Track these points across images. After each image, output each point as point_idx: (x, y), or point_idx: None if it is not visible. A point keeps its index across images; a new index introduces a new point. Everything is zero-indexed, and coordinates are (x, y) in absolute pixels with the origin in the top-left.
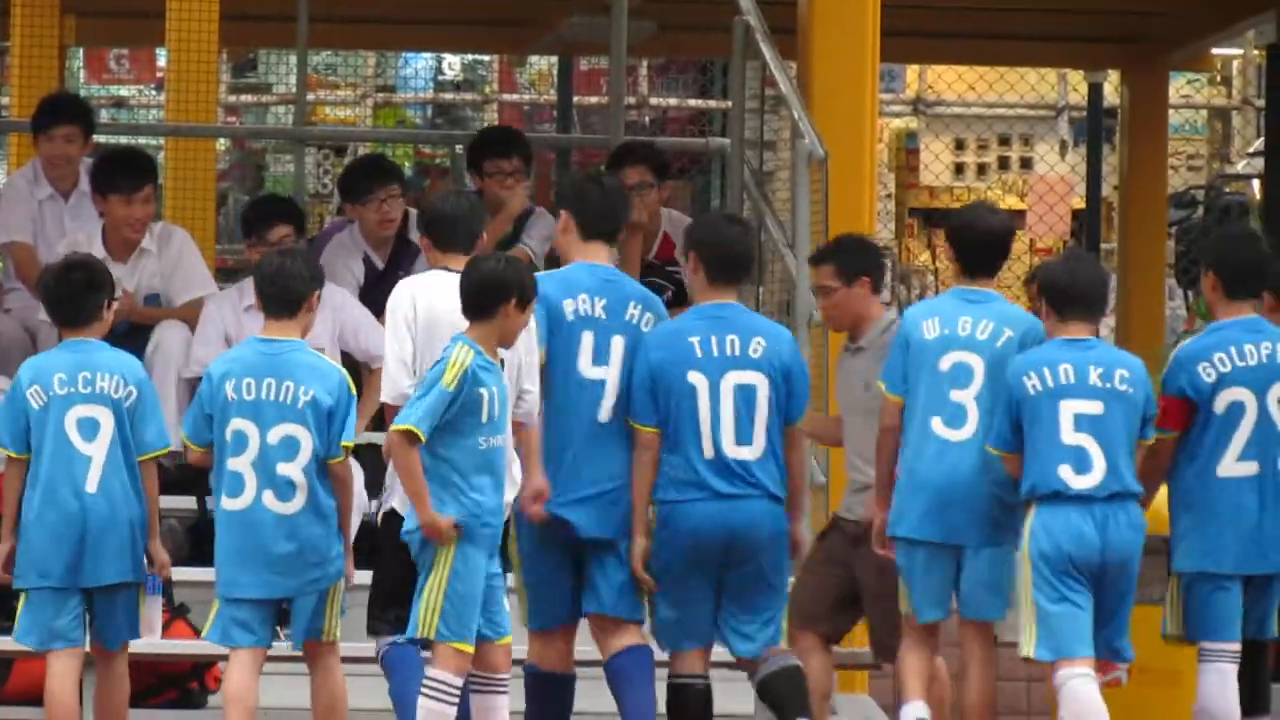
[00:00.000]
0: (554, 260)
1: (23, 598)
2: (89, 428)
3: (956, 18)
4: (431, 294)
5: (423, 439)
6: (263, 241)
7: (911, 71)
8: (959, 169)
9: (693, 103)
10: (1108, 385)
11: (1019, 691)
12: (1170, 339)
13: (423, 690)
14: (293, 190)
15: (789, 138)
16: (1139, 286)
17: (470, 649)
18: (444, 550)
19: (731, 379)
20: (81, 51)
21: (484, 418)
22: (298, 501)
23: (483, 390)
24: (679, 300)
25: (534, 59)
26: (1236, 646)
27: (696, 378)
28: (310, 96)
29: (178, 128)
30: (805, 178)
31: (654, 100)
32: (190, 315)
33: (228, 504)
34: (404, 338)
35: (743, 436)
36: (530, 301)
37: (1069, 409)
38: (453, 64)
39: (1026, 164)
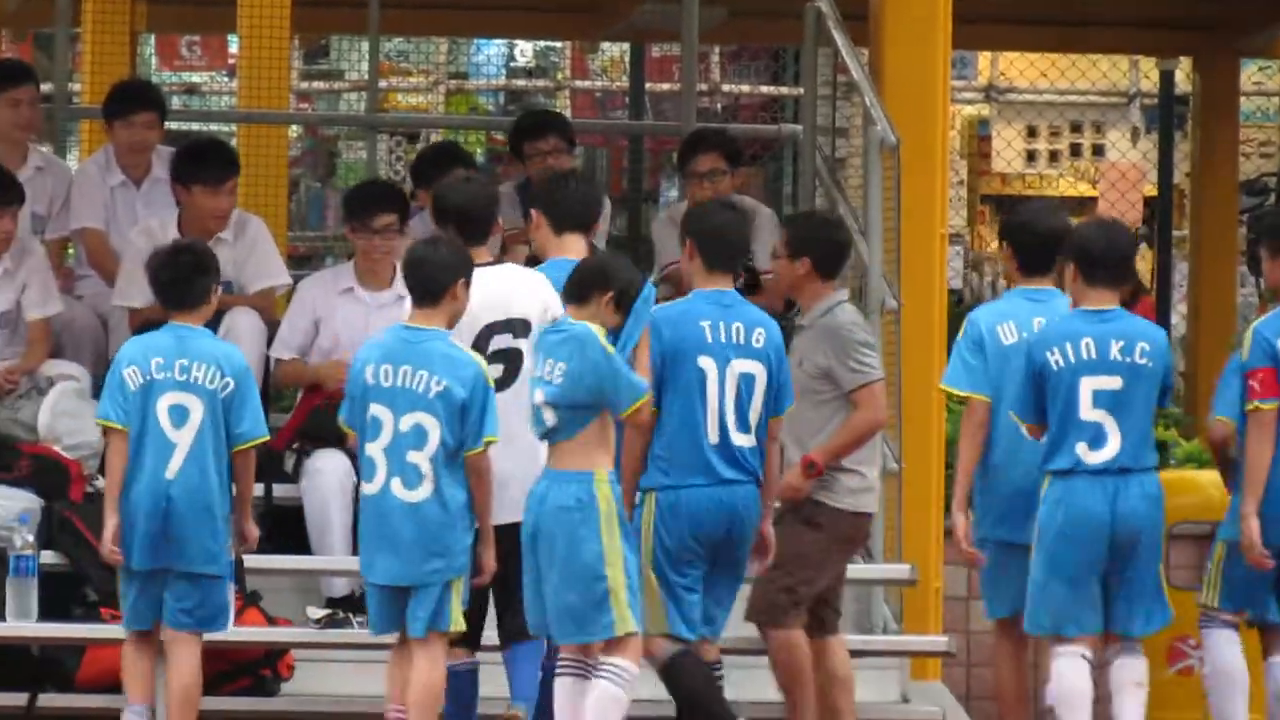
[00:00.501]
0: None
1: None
2: (179, 415)
3: (1029, 4)
4: None
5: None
6: (366, 229)
7: (984, 58)
8: (1031, 156)
9: (765, 89)
10: (1128, 360)
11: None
12: (1242, 327)
13: (610, 678)
14: (364, 178)
15: (861, 124)
16: (1210, 274)
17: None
18: (613, 542)
19: (736, 367)
20: (153, 38)
21: None
22: (424, 490)
23: None
24: (750, 288)
25: (606, 46)
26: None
27: (707, 362)
28: (382, 83)
29: (249, 114)
30: (877, 164)
31: (726, 87)
32: (262, 304)
33: (364, 489)
34: None
35: (742, 424)
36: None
37: (1089, 385)
38: (525, 51)
39: (1098, 151)
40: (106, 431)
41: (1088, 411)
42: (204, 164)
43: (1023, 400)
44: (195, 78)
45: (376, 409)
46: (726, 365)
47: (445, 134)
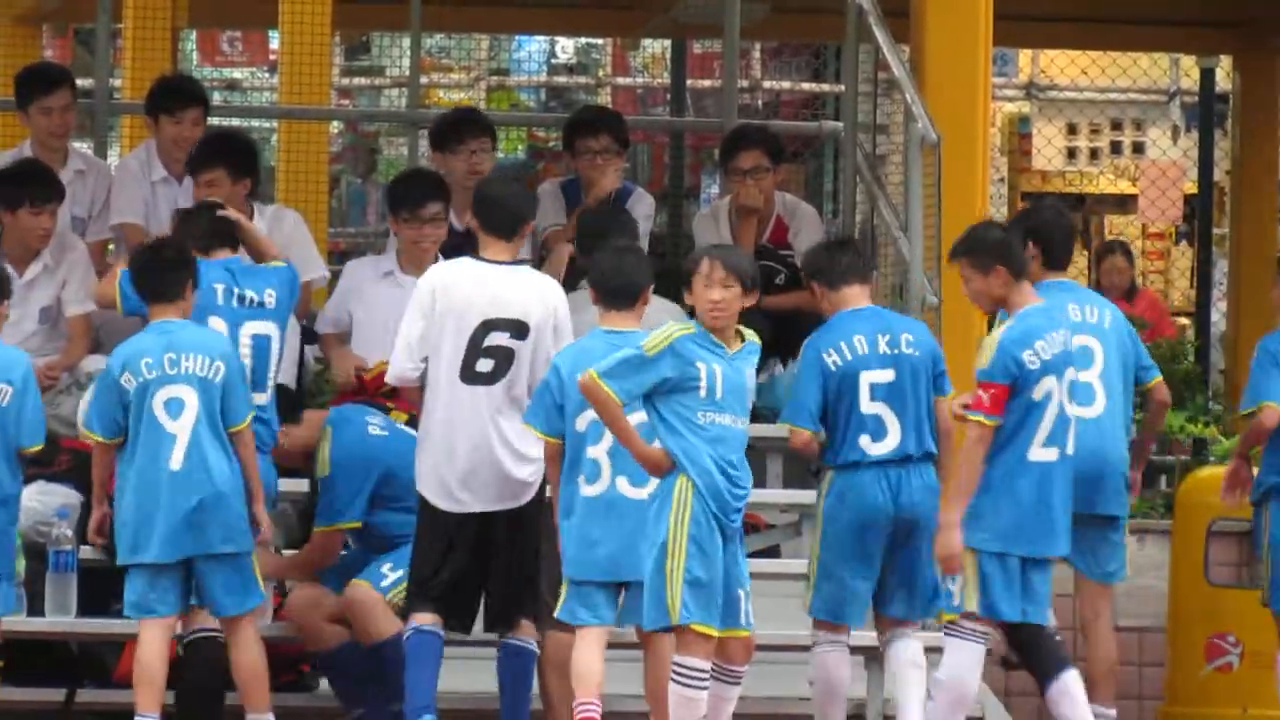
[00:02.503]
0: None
1: (127, 576)
2: (175, 407)
3: (1069, 2)
4: (453, 284)
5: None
6: (416, 218)
7: (1024, 56)
8: (1071, 153)
9: (806, 86)
10: (895, 351)
11: (1130, 675)
12: None
13: (674, 677)
14: None
15: (902, 121)
16: (1250, 271)
17: (715, 633)
18: (678, 532)
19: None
20: (194, 33)
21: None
22: (651, 486)
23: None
24: (792, 283)
25: (647, 42)
26: None
27: None
28: (423, 79)
29: (290, 110)
30: (918, 162)
31: (767, 83)
32: (300, 295)
33: (587, 490)
34: (415, 321)
35: None
36: None
37: (866, 379)
38: (566, 47)
39: (1139, 149)
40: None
41: (867, 405)
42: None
43: (809, 410)
44: (236, 74)
45: (594, 414)
46: None
47: None
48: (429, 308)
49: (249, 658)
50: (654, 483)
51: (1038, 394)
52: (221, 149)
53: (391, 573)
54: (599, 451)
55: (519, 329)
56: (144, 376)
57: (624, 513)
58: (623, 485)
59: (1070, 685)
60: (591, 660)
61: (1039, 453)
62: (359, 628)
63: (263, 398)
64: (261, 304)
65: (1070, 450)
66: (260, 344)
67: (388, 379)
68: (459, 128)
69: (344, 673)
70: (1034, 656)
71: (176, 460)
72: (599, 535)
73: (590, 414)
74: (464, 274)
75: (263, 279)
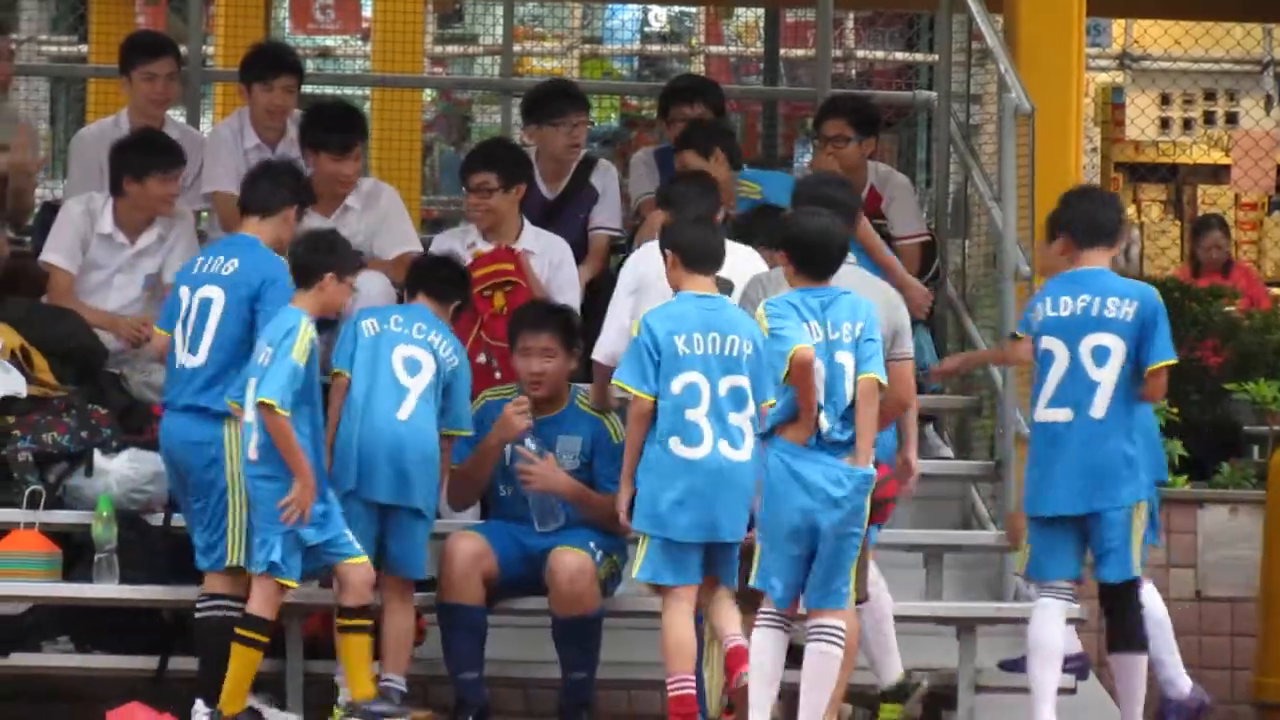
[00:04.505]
0: None
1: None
2: (412, 366)
3: None
4: (656, 270)
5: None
6: (466, 188)
7: (1117, 26)
8: (1164, 124)
9: (899, 56)
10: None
11: (1221, 645)
12: None
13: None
14: None
15: (995, 91)
16: None
17: None
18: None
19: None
20: (286, 1)
21: None
22: (747, 449)
23: None
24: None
25: (740, 11)
26: None
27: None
28: (516, 48)
29: (383, 78)
30: (1012, 131)
31: (860, 53)
32: (396, 271)
33: (685, 451)
34: (624, 301)
35: None
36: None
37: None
38: (659, 15)
39: (1231, 119)
40: (334, 377)
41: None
42: (329, 130)
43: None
44: (329, 41)
45: (692, 376)
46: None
47: None
48: (634, 289)
49: (408, 624)
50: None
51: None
52: (356, 127)
53: (598, 549)
54: (698, 414)
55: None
56: (388, 328)
57: (722, 475)
58: (725, 449)
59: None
60: (685, 628)
61: (1046, 413)
62: (569, 594)
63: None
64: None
65: (1094, 413)
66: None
67: (596, 355)
68: (557, 102)
69: (475, 632)
70: (1110, 617)
71: (405, 412)
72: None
73: (687, 377)
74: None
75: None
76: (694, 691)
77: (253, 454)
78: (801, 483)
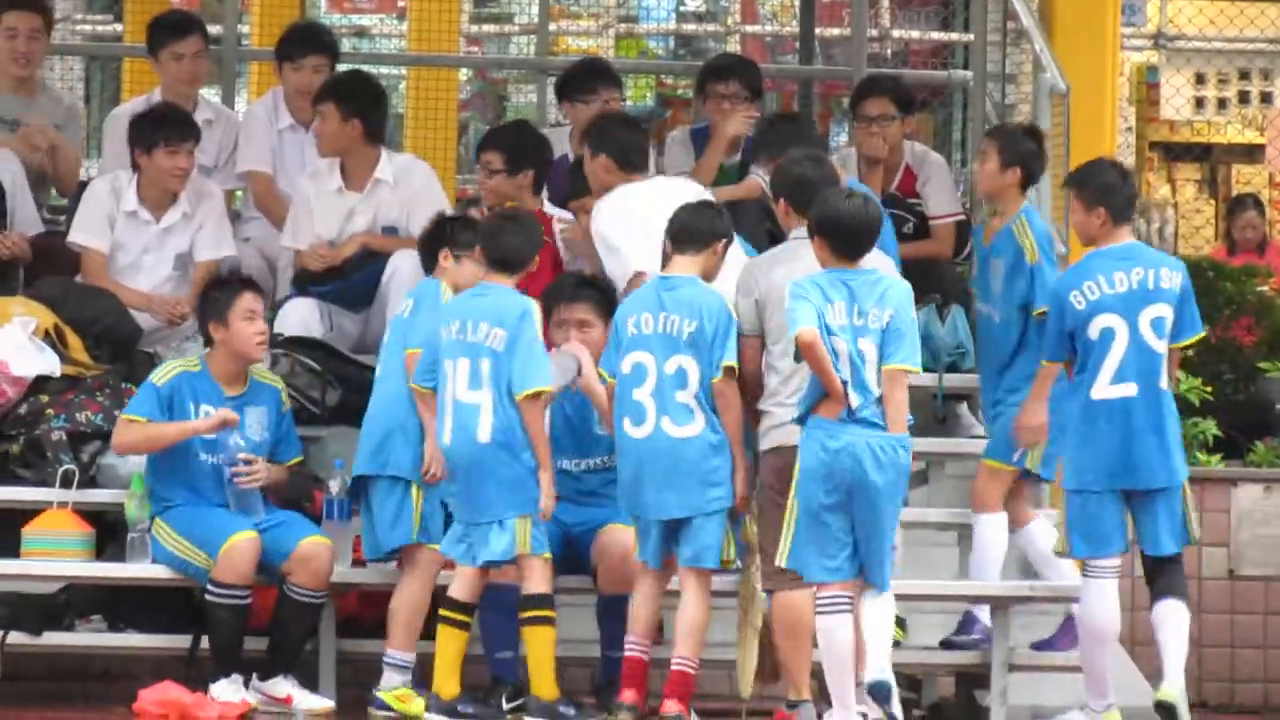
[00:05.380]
0: None
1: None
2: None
3: None
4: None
5: None
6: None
7: (1152, 5)
8: (1199, 103)
9: (935, 35)
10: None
11: (1254, 623)
12: None
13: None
14: (534, 122)
15: (1031, 71)
16: None
17: None
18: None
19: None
20: None
21: None
22: (695, 425)
23: None
24: (920, 233)
25: None
26: None
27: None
28: (552, 27)
29: (420, 57)
30: (1047, 111)
31: (896, 33)
32: None
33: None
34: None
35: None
36: None
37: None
38: None
39: (1266, 98)
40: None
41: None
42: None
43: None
44: (365, 20)
45: (638, 356)
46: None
47: None
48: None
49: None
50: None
51: (1094, 333)
52: (336, 85)
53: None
54: (643, 394)
55: None
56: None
57: (665, 452)
58: (667, 425)
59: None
60: (640, 604)
61: (1109, 390)
62: (620, 572)
63: None
64: None
65: (1161, 384)
66: None
67: None
68: (590, 79)
69: (511, 611)
70: (1159, 580)
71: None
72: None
73: (635, 357)
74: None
75: None
76: (640, 657)
77: (486, 436)
78: (844, 450)
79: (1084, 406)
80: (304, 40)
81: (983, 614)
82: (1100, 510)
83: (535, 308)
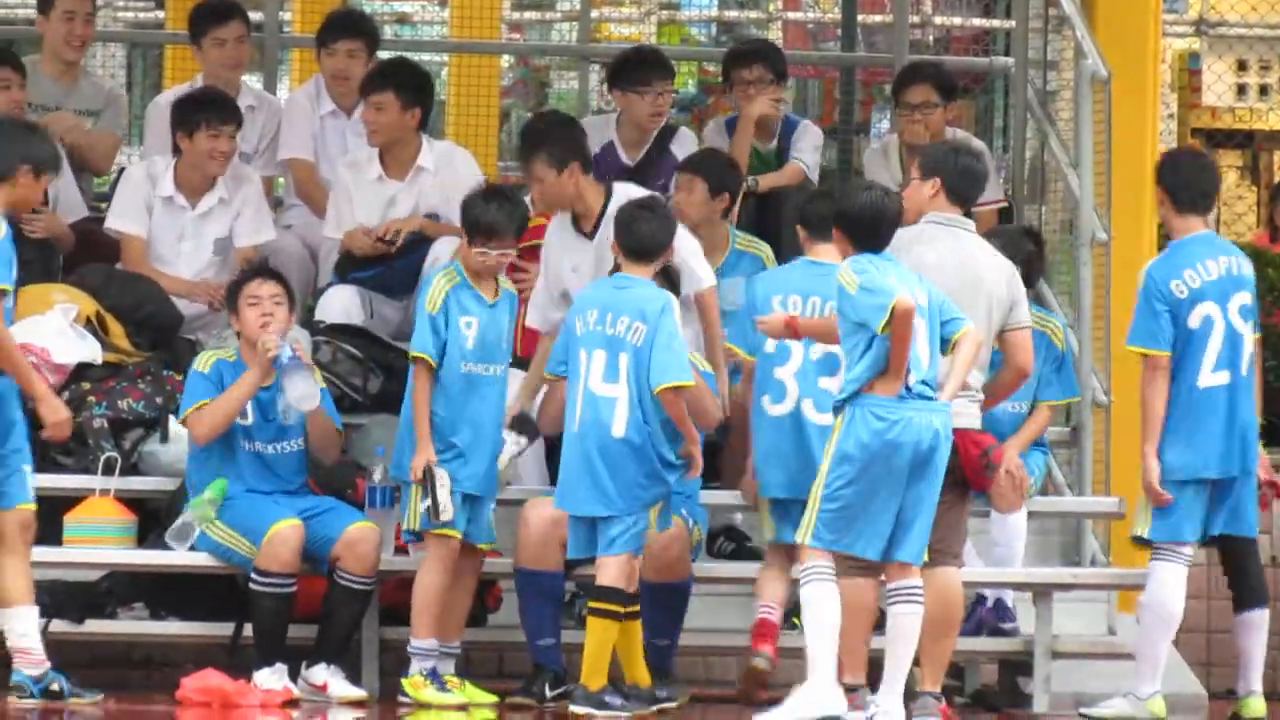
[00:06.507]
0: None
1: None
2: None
3: None
4: None
5: None
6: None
7: None
8: (1241, 90)
9: (976, 22)
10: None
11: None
12: None
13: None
14: (576, 108)
15: (1072, 58)
16: None
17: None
18: None
19: None
20: None
21: None
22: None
23: None
24: None
25: None
26: None
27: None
28: (594, 13)
29: (461, 44)
30: (1088, 98)
31: (938, 19)
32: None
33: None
34: None
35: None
36: None
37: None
38: None
39: None
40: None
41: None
42: (369, 78)
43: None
44: (406, 7)
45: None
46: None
47: None
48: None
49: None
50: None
51: (1195, 321)
52: (394, 74)
53: (690, 516)
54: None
55: None
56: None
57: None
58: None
59: (1257, 622)
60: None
61: (1210, 378)
62: (664, 561)
63: None
64: None
65: (1243, 371)
66: None
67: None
68: (645, 70)
69: (553, 599)
70: (1240, 575)
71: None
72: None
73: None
74: None
75: None
76: (769, 618)
77: (621, 430)
78: (896, 426)
79: (1187, 395)
80: (339, 25)
81: (1006, 598)
82: (1187, 497)
83: (674, 301)
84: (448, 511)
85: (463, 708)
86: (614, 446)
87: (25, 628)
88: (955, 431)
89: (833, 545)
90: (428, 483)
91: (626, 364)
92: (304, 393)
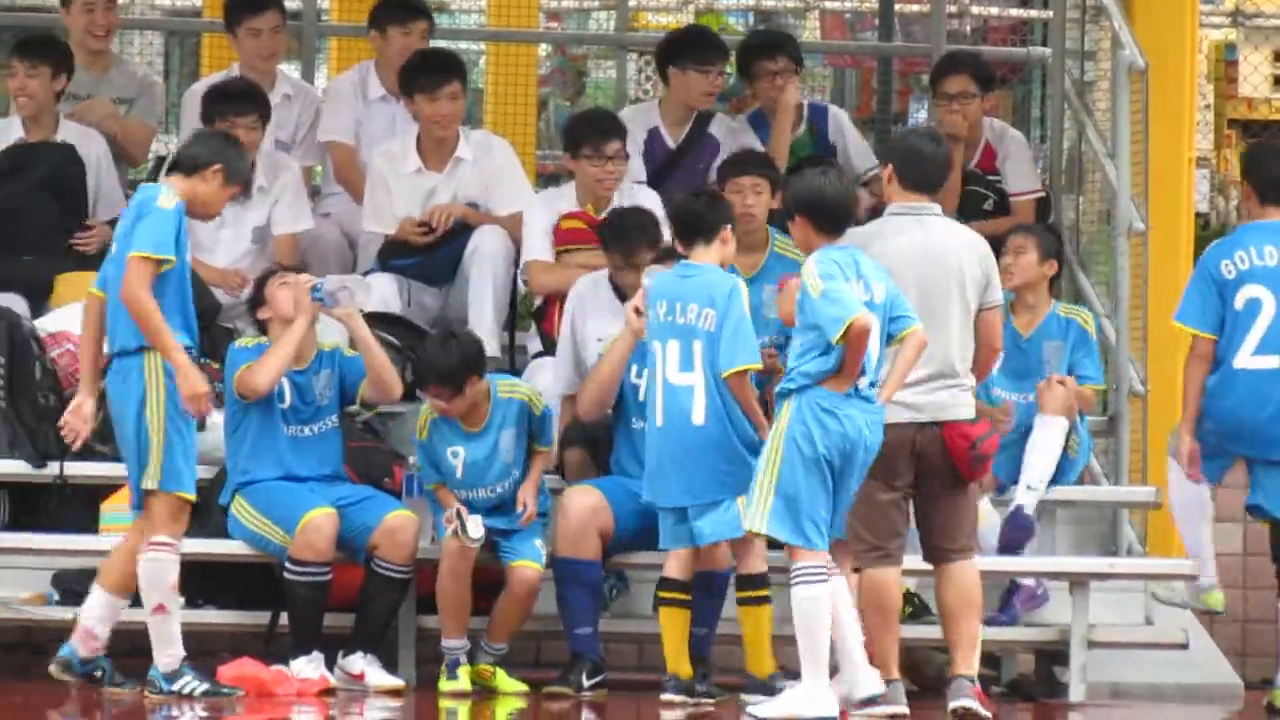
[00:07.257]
0: None
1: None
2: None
3: None
4: None
5: None
6: (600, 155)
7: None
8: (1277, 81)
9: (1014, 12)
10: None
11: None
12: None
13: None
14: (613, 97)
15: (1109, 48)
16: None
17: None
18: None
19: None
20: None
21: None
22: None
23: None
24: (1000, 209)
25: None
26: None
27: None
28: (632, 2)
29: (499, 33)
30: (1125, 88)
31: (975, 9)
32: (511, 226)
33: None
34: None
35: None
36: None
37: None
38: None
39: None
40: None
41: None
42: (421, 73)
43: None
44: None
45: None
46: None
47: None
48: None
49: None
50: None
51: (1239, 302)
52: (456, 63)
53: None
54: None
55: None
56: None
57: None
58: None
59: None
60: None
61: (1251, 360)
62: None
63: None
64: None
65: None
66: None
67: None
68: (710, 50)
69: (591, 588)
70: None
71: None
72: None
73: None
74: None
75: None
76: None
77: (701, 418)
78: (841, 421)
79: (1223, 373)
80: (408, 5)
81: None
82: (1210, 445)
83: (742, 284)
84: (478, 530)
85: (464, 695)
86: (695, 436)
87: (105, 614)
88: (944, 426)
89: (793, 539)
90: (459, 520)
91: (700, 351)
92: (344, 298)
